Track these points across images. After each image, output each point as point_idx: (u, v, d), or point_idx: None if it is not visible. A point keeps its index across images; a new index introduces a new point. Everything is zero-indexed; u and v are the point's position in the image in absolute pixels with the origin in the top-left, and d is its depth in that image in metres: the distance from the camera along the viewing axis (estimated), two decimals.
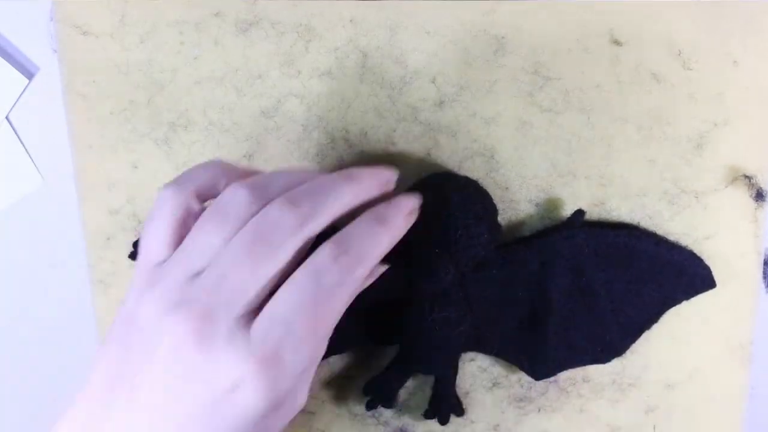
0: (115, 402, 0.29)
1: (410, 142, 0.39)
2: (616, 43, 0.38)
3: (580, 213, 0.38)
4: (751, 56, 0.39)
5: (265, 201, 0.30)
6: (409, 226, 0.32)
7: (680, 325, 0.40)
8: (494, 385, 0.41)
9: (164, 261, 0.31)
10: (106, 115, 0.39)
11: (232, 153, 0.39)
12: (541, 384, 0.41)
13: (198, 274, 0.30)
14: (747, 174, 0.39)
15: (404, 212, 0.32)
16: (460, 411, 0.40)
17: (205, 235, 0.30)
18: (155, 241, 0.31)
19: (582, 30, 0.38)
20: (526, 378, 0.41)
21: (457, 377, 0.40)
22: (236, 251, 0.29)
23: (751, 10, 0.38)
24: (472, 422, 0.41)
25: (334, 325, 0.30)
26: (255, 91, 0.38)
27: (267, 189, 0.31)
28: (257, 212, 0.30)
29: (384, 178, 0.33)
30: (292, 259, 0.30)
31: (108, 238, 0.40)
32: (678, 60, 0.38)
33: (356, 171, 0.32)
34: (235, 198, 0.30)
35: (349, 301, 0.30)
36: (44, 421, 0.43)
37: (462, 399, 0.41)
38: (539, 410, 0.41)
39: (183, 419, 0.29)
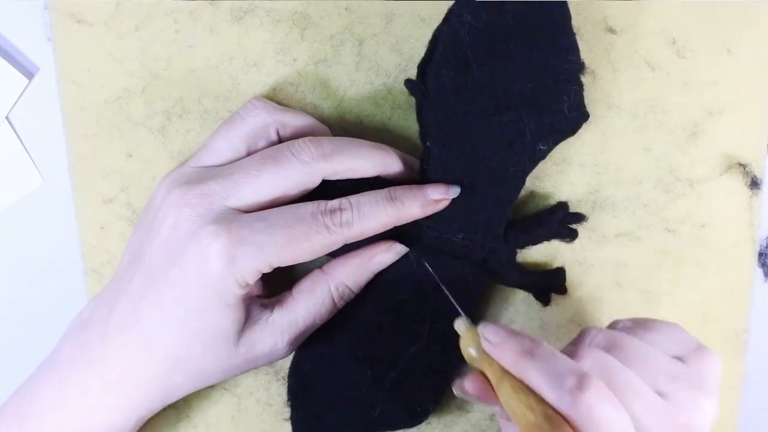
0: (129, 272, 0.35)
1: (406, 129, 0.39)
2: (611, 31, 0.38)
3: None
4: (746, 45, 0.39)
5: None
6: (425, 214, 0.35)
7: (675, 313, 0.40)
8: None
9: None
10: (100, 104, 0.38)
11: None
12: None
13: (210, 168, 0.35)
14: (741, 162, 0.40)
15: (424, 197, 0.35)
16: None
17: (223, 139, 0.35)
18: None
19: (577, 18, 0.38)
20: None
21: (453, 368, 0.39)
22: (251, 160, 0.34)
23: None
24: (468, 412, 0.41)
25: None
26: (250, 80, 0.38)
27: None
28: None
29: (412, 161, 0.36)
30: (297, 190, 0.34)
31: (102, 228, 0.39)
32: (672, 48, 0.39)
33: (386, 146, 0.36)
34: (254, 111, 0.36)
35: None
36: None
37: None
38: None
39: (176, 280, 0.33)
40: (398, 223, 0.35)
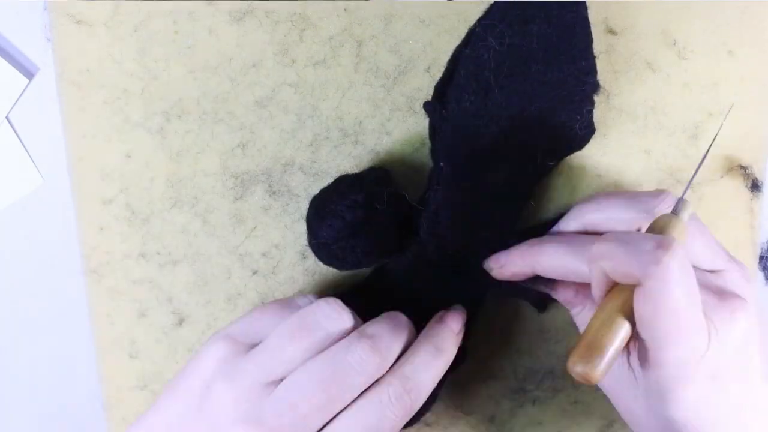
0: None
1: (405, 131, 0.39)
2: (611, 32, 0.38)
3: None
4: (746, 46, 0.39)
5: (351, 326, 0.33)
6: (457, 346, 0.35)
7: None
8: (490, 377, 0.41)
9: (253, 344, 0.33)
10: (99, 105, 0.38)
11: (226, 143, 0.39)
12: (536, 376, 0.41)
13: (274, 382, 0.31)
14: (742, 164, 0.39)
15: (455, 336, 0.34)
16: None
17: (289, 345, 0.32)
18: (259, 324, 0.33)
19: None
20: (521, 370, 0.41)
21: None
22: (312, 381, 0.31)
23: (745, 0, 0.38)
24: (468, 414, 0.41)
25: None
26: (249, 81, 0.38)
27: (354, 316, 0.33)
28: (341, 336, 0.32)
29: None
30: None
31: (101, 228, 0.39)
32: (673, 49, 0.38)
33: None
34: (323, 314, 0.32)
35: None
36: (38, 412, 0.43)
37: (458, 391, 0.41)
38: (534, 402, 0.41)
39: None
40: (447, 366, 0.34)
